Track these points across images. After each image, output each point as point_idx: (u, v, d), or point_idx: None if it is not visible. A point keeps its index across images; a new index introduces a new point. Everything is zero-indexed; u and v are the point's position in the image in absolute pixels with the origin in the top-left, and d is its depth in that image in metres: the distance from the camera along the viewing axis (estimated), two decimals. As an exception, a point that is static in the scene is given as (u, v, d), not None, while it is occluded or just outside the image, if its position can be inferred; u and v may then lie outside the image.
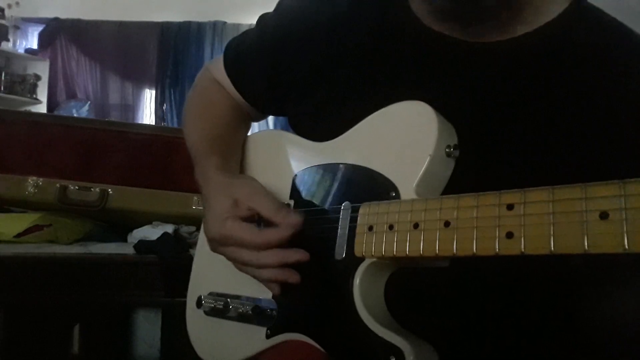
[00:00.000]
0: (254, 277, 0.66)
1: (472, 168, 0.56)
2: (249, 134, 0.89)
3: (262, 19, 0.85)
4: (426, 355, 0.52)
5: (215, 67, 0.90)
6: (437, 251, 0.49)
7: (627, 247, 0.37)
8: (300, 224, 0.62)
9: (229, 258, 0.67)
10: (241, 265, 0.66)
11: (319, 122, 0.72)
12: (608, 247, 0.38)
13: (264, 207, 0.64)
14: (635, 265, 0.47)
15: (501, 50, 0.63)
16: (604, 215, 0.39)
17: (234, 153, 0.80)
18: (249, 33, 0.87)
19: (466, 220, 0.47)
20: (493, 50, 0.63)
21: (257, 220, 0.66)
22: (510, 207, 0.44)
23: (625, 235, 0.38)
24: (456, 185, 0.55)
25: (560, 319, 0.46)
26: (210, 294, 0.75)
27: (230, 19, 4.70)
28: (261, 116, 0.92)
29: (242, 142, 0.83)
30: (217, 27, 4.78)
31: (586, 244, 0.39)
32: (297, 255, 0.62)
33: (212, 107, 0.86)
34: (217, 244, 0.67)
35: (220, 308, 0.69)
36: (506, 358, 0.60)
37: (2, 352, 1.33)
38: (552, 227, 0.41)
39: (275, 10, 0.83)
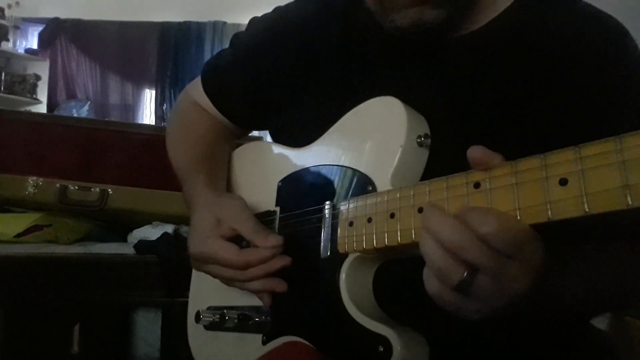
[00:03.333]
0: (242, 289, 0.66)
1: (448, 157, 0.56)
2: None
3: (236, 38, 0.87)
4: (414, 343, 0.53)
5: (193, 89, 0.91)
6: (413, 237, 0.49)
7: (587, 209, 0.38)
8: (280, 245, 0.63)
9: (213, 276, 0.68)
10: (227, 281, 0.67)
11: (298, 130, 0.73)
12: (570, 211, 0.39)
13: (245, 230, 0.65)
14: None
15: (464, 43, 0.65)
16: (563, 181, 0.40)
17: (219, 170, 0.81)
18: (224, 53, 0.88)
19: (437, 203, 0.48)
20: (457, 44, 0.65)
21: (240, 240, 0.67)
22: (477, 185, 0.45)
23: (584, 197, 0.38)
24: (434, 175, 0.56)
25: (547, 303, 0.46)
26: (209, 308, 0.76)
27: (230, 19, 4.70)
28: (244, 133, 0.92)
29: (227, 158, 0.84)
30: (217, 27, 4.78)
31: (549, 211, 0.40)
32: (280, 262, 0.63)
33: (193, 129, 0.86)
34: (199, 263, 0.68)
35: (218, 321, 0.69)
36: (495, 346, 0.60)
37: (2, 352, 1.33)
38: (517, 200, 0.42)
39: (247, 28, 0.85)
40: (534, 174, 0.41)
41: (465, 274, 0.42)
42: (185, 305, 0.84)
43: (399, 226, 0.51)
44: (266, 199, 0.73)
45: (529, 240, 0.42)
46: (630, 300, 0.67)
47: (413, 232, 0.50)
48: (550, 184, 0.40)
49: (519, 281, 0.42)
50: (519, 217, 0.42)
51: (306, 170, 0.69)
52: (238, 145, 0.87)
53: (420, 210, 0.49)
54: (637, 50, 0.63)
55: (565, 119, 0.59)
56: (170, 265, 1.27)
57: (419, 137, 0.58)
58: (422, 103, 0.60)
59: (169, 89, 4.88)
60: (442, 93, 0.64)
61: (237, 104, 0.85)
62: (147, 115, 5.01)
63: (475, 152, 0.44)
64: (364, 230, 0.56)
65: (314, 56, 0.75)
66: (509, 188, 0.43)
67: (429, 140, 0.58)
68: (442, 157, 0.58)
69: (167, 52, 4.86)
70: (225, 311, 0.70)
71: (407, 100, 0.60)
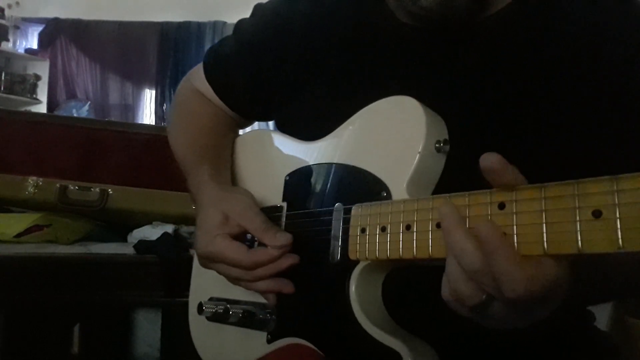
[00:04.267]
0: (248, 289, 0.66)
1: (463, 161, 0.54)
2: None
3: (240, 24, 0.85)
4: (424, 357, 0.52)
5: (195, 76, 0.89)
6: (430, 253, 0.48)
7: (621, 245, 0.36)
8: (289, 244, 0.62)
9: (220, 273, 0.67)
10: (234, 280, 0.66)
11: (307, 122, 0.72)
12: (602, 246, 0.37)
13: (253, 227, 0.64)
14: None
15: (477, 31, 0.63)
16: (597, 213, 0.37)
17: (224, 161, 0.79)
18: (227, 40, 0.86)
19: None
20: (469, 32, 0.63)
21: (248, 236, 0.66)
22: (501, 205, 0.43)
23: (619, 233, 0.36)
24: (449, 180, 0.54)
25: (559, 315, 0.45)
26: (211, 299, 0.75)
27: (230, 19, 4.69)
28: (247, 122, 0.91)
29: (231, 148, 0.82)
30: (217, 27, 4.78)
31: (580, 243, 0.38)
32: (288, 261, 0.62)
33: (196, 118, 0.85)
34: (207, 261, 0.67)
35: (221, 312, 0.68)
36: (501, 348, 0.59)
37: (2, 352, 1.33)
38: (544, 226, 0.40)
39: (252, 15, 0.83)
40: (565, 202, 0.39)
41: (483, 297, 0.42)
42: (185, 305, 0.83)
43: (415, 239, 0.49)
44: (272, 193, 0.71)
45: (556, 284, 0.40)
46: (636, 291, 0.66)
47: (430, 247, 0.48)
48: (582, 215, 0.38)
49: (537, 314, 0.43)
50: (545, 245, 0.40)
51: (316, 166, 0.67)
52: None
53: (439, 225, 0.47)
54: None
55: (592, 113, 0.57)
56: (170, 265, 1.26)
57: (438, 142, 0.55)
58: (434, 102, 0.57)
59: (169, 89, 4.88)
60: (457, 87, 0.62)
61: (239, 94, 0.84)
62: (147, 115, 5.01)
63: (488, 160, 0.42)
64: (377, 239, 0.53)
65: (322, 47, 0.73)
66: (537, 214, 0.40)
67: (448, 146, 0.55)
68: (457, 158, 0.56)
69: (167, 52, 4.87)
70: (228, 305, 0.69)
71: (420, 94, 0.57)
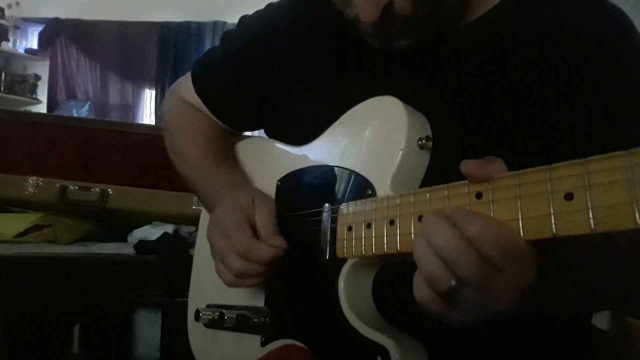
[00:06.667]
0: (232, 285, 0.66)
1: (448, 158, 0.54)
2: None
3: (227, 35, 0.85)
4: (413, 352, 0.52)
5: (182, 88, 0.88)
6: (413, 246, 0.48)
7: (593, 227, 0.36)
8: (282, 246, 0.62)
9: (218, 252, 0.67)
10: (224, 259, 0.66)
11: (295, 127, 0.72)
12: (575, 228, 0.37)
13: (257, 215, 0.65)
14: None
15: (461, 34, 0.64)
16: (569, 196, 0.38)
17: (237, 163, 0.82)
18: (214, 51, 0.86)
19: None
20: (454, 35, 0.64)
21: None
22: (478, 195, 0.44)
23: (590, 214, 0.37)
24: (435, 177, 0.54)
25: (548, 312, 0.46)
26: (208, 306, 0.75)
27: (230, 19, 4.70)
28: (238, 132, 0.90)
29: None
30: (217, 27, 4.78)
31: (554, 227, 0.39)
32: (278, 244, 0.62)
33: (197, 128, 0.85)
34: (215, 233, 0.67)
35: (217, 319, 0.69)
36: (495, 349, 0.59)
37: (2, 352, 1.33)
38: (519, 213, 0.41)
39: (238, 26, 0.83)
40: (538, 187, 0.40)
41: (453, 282, 0.42)
42: (185, 305, 0.84)
43: (398, 233, 0.50)
44: None
45: (520, 254, 0.41)
46: (631, 296, 0.66)
47: (413, 240, 0.48)
48: (555, 199, 0.39)
49: (501, 302, 0.43)
50: (521, 231, 0.41)
51: (305, 169, 0.68)
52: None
53: (421, 218, 0.48)
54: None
55: (570, 113, 0.58)
56: (170, 265, 1.27)
57: (420, 139, 0.55)
58: (420, 99, 0.58)
59: (168, 89, 4.88)
60: (441, 87, 0.63)
61: (229, 105, 0.83)
62: (147, 115, 5.01)
63: (467, 167, 0.43)
64: (362, 236, 0.54)
65: (308, 52, 0.73)
66: (512, 200, 0.41)
67: (431, 143, 0.56)
68: (442, 156, 0.56)
69: (167, 52, 4.86)
70: (224, 311, 0.69)
71: (406, 96, 0.58)
